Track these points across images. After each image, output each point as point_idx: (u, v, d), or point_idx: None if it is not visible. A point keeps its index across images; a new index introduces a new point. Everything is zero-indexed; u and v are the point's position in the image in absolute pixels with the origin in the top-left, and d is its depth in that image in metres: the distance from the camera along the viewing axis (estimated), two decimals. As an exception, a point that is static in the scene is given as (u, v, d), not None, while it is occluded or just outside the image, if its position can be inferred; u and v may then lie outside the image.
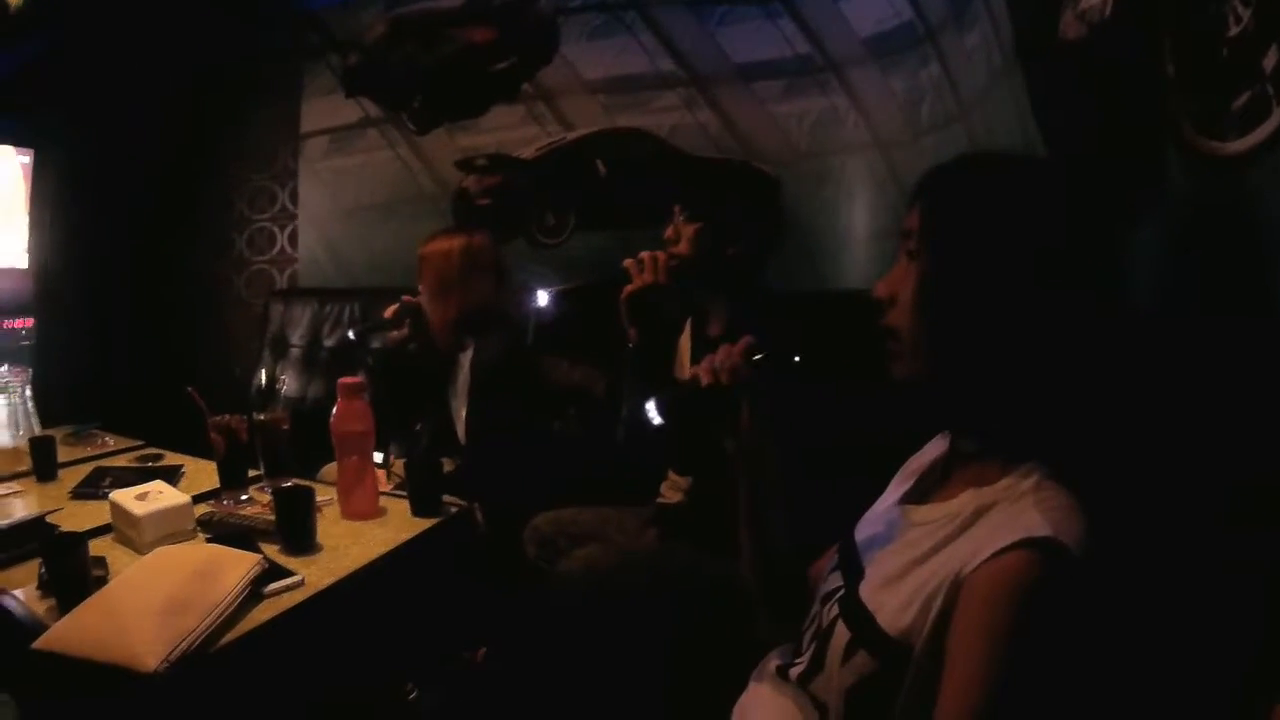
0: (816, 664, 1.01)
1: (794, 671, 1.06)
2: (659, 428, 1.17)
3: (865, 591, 0.98)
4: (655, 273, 1.85)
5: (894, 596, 0.93)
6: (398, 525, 1.79)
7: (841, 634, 0.97)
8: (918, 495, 1.06)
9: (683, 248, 1.91)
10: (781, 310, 1.91)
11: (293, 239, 3.62)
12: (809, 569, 1.21)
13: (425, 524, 1.80)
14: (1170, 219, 1.41)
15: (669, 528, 2.06)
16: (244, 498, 1.93)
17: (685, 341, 2.05)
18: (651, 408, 1.15)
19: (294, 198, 3.59)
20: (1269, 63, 1.19)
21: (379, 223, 3.43)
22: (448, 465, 2.17)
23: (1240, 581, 0.94)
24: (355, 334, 2.61)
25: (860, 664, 0.94)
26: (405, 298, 2.40)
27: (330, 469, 2.16)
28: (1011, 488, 0.92)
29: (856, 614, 0.97)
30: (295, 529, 1.63)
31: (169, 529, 1.64)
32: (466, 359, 2.39)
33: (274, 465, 1.95)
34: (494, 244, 2.43)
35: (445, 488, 1.90)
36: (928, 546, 0.94)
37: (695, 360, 1.50)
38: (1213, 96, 1.31)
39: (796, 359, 1.11)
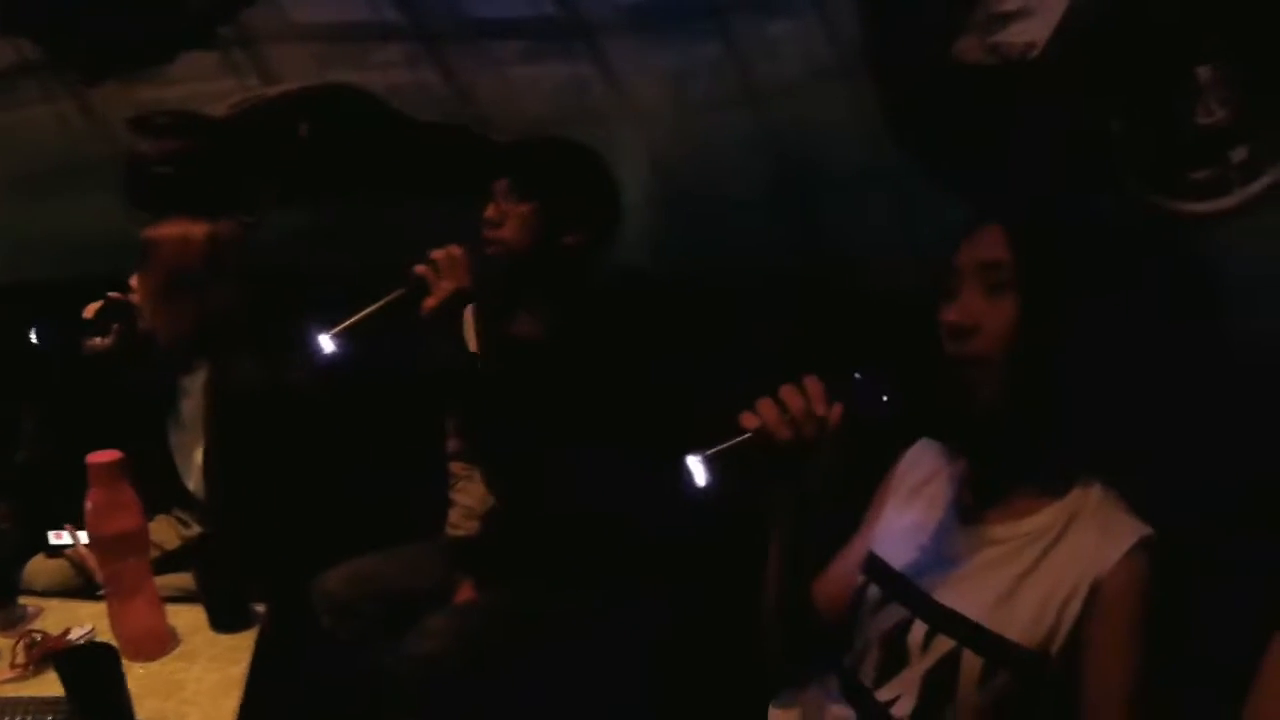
0: (935, 699, 1.06)
1: (900, 711, 1.10)
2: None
3: (975, 614, 1.05)
4: (458, 276, 1.53)
5: (1018, 612, 1.03)
6: (210, 652, 1.36)
7: (971, 660, 1.04)
8: (968, 514, 1.13)
9: (508, 232, 1.63)
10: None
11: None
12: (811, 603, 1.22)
13: (242, 640, 1.38)
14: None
15: (472, 565, 1.75)
16: None
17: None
18: (695, 466, 1.02)
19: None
20: (1237, 156, 1.57)
21: (30, 200, 2.78)
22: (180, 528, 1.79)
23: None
24: (39, 336, 2.04)
25: (1000, 684, 1.03)
26: (113, 294, 1.91)
27: (42, 569, 1.81)
28: (1083, 498, 1.06)
29: (982, 638, 1.04)
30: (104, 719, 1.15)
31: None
32: (194, 384, 1.91)
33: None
34: (243, 236, 1.96)
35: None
36: (1030, 560, 1.05)
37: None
38: (1173, 163, 1.66)
39: (885, 398, 1.06)
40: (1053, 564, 1.04)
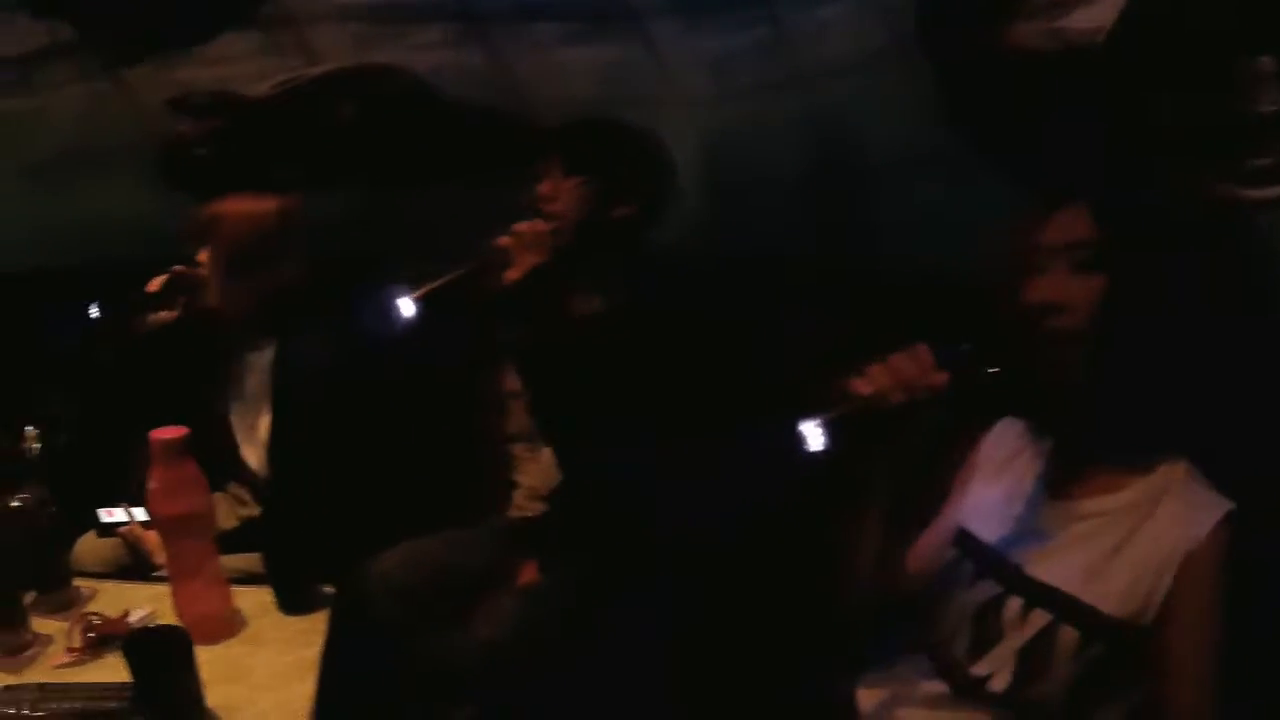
0: (1030, 673, 1.09)
1: (996, 685, 1.11)
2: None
3: (1071, 588, 1.08)
4: (542, 249, 1.54)
5: (1111, 584, 1.06)
6: (280, 636, 1.31)
7: (1068, 634, 1.07)
8: (1056, 490, 1.15)
9: (561, 206, 1.62)
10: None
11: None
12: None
13: (311, 622, 1.33)
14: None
15: (536, 547, 1.72)
16: (27, 638, 1.37)
17: None
18: (812, 431, 1.02)
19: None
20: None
21: (64, 183, 2.73)
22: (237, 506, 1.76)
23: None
24: (101, 310, 1.98)
25: (1093, 656, 1.06)
26: (178, 268, 1.88)
27: (92, 549, 1.77)
28: (1169, 474, 1.09)
29: (1078, 611, 1.07)
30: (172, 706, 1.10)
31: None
32: (260, 359, 1.89)
33: (50, 576, 1.45)
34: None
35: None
36: (1122, 533, 1.08)
37: None
38: (1234, 150, 1.73)
39: (992, 370, 1.06)
40: (1145, 537, 1.07)
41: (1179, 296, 1.08)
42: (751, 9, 2.42)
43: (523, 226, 1.56)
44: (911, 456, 1.13)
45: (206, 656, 1.22)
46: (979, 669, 1.14)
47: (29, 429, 1.60)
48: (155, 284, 1.90)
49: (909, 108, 2.24)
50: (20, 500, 1.44)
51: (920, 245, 2.23)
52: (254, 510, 1.94)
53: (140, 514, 1.84)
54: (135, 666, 1.14)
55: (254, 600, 1.43)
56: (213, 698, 1.18)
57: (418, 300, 1.52)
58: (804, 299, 2.24)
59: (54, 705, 1.21)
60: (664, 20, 2.50)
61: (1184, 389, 1.08)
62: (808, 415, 1.02)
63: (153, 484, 1.35)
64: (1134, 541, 1.08)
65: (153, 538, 1.79)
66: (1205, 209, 1.81)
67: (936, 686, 1.18)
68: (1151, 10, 1.90)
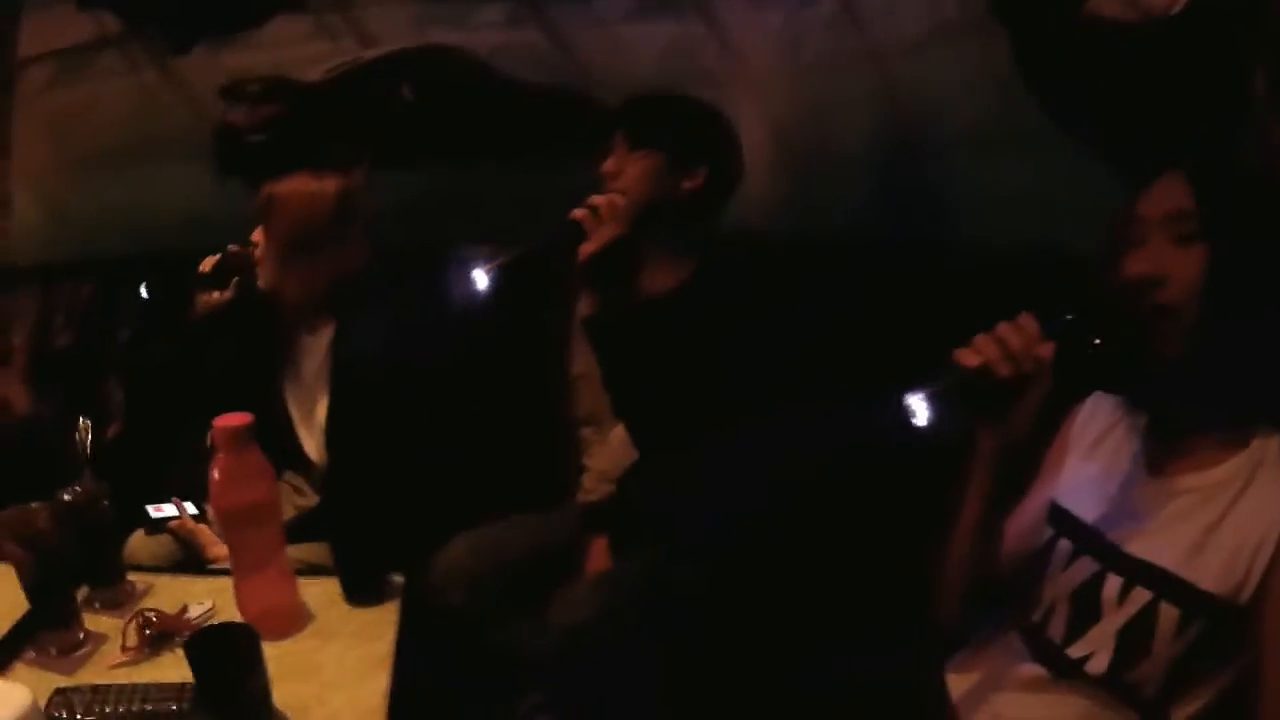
0: (1131, 653, 1.07)
1: (1094, 667, 1.10)
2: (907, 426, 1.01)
3: (1171, 564, 1.06)
4: (619, 222, 1.50)
5: (1209, 561, 1.04)
6: (348, 629, 1.22)
7: (1169, 612, 1.05)
8: (1153, 466, 1.13)
9: (626, 183, 1.58)
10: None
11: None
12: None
13: (381, 614, 1.24)
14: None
15: (607, 530, 1.66)
16: (80, 636, 1.28)
17: None
18: (916, 405, 1.00)
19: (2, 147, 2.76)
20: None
21: (117, 172, 2.68)
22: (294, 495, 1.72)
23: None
24: (150, 291, 2.00)
25: (1193, 635, 1.04)
26: (232, 247, 1.84)
27: (142, 545, 1.72)
28: (1264, 448, 1.07)
29: (1179, 589, 1.05)
30: (238, 708, 1.02)
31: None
32: (318, 343, 1.82)
33: (104, 571, 1.37)
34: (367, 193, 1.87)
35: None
36: (1220, 509, 1.06)
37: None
38: None
39: (1097, 341, 1.04)
40: (1242, 512, 1.05)
41: (1276, 266, 1.05)
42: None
43: (598, 199, 1.51)
44: (1017, 432, 1.10)
45: (273, 653, 1.11)
46: (1076, 650, 1.12)
47: (83, 421, 1.52)
48: (207, 264, 1.84)
49: (982, 83, 2.16)
50: (72, 494, 1.36)
51: (995, 223, 2.14)
52: (310, 500, 1.87)
53: (191, 508, 1.77)
54: (199, 667, 1.05)
55: (317, 592, 1.32)
56: (280, 696, 1.08)
57: (489, 273, 1.43)
58: (873, 279, 2.14)
59: (109, 709, 1.11)
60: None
61: (1269, 363, 1.05)
62: (913, 388, 1.00)
63: (216, 474, 1.25)
64: (1232, 516, 1.06)
65: (205, 532, 1.73)
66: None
67: (1032, 669, 1.16)
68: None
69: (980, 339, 1.03)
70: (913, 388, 1.01)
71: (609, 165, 1.64)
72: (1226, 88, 1.84)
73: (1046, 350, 1.02)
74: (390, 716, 1.10)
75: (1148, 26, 1.94)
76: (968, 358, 1.02)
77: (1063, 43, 2.05)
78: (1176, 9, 1.90)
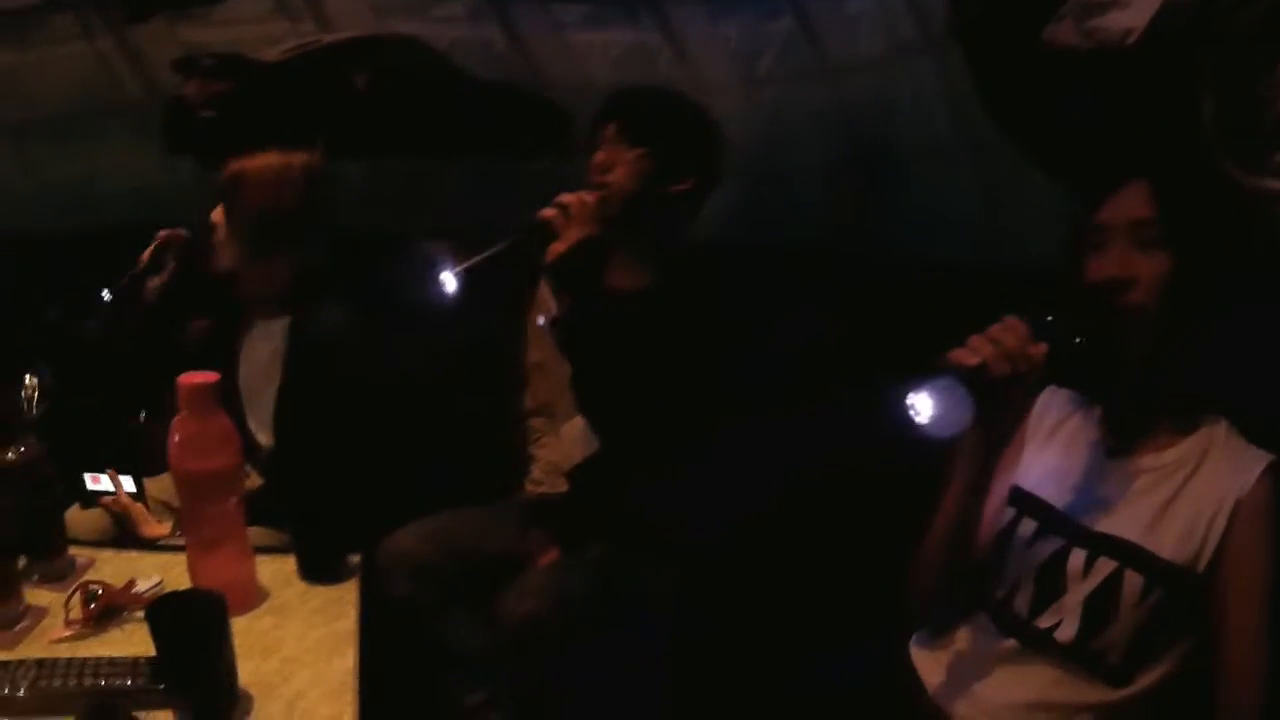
0: (1097, 620, 1.15)
1: (1062, 635, 1.16)
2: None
3: (1132, 536, 1.15)
4: (589, 222, 1.45)
5: (1167, 531, 1.14)
6: (307, 607, 1.20)
7: (1132, 579, 1.14)
8: (1112, 450, 1.21)
9: (617, 176, 1.53)
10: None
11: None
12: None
13: (341, 592, 1.23)
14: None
15: (556, 524, 1.64)
16: (20, 610, 1.20)
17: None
18: (922, 401, 1.02)
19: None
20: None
21: (59, 141, 2.64)
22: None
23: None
24: (113, 294, 1.88)
25: (1154, 600, 1.13)
26: (163, 231, 1.79)
27: (78, 520, 1.63)
28: (1212, 433, 1.17)
29: (1141, 558, 1.14)
30: (204, 682, 0.98)
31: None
32: (274, 326, 1.75)
33: (45, 540, 1.29)
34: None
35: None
36: (1175, 486, 1.16)
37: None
38: (1260, 145, 1.82)
39: (1078, 340, 1.10)
40: (1196, 488, 1.15)
41: (1228, 273, 1.16)
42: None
43: (569, 198, 1.47)
44: (1005, 428, 1.15)
45: (238, 629, 1.07)
46: (1044, 621, 1.19)
47: (28, 379, 1.44)
48: (145, 255, 1.80)
49: (936, 101, 2.28)
50: (15, 454, 1.26)
51: (942, 236, 2.26)
52: (255, 482, 1.84)
53: (128, 483, 1.68)
54: (162, 637, 0.98)
55: (272, 570, 1.29)
56: (242, 674, 1.05)
57: (458, 276, 1.43)
58: (819, 289, 2.22)
59: (57, 683, 1.05)
60: (686, 6, 2.49)
61: (1226, 356, 1.16)
62: (909, 386, 1.02)
63: (177, 436, 1.15)
64: (1185, 492, 1.16)
65: (141, 510, 1.66)
66: (1241, 199, 1.89)
67: (1000, 643, 1.22)
68: (1182, 14, 1.95)
69: (975, 339, 1.06)
70: (912, 387, 1.02)
71: (599, 158, 1.58)
72: (1179, 112, 1.95)
73: (1041, 350, 1.06)
74: (361, 694, 1.11)
75: (1104, 56, 2.06)
76: (965, 358, 1.04)
77: (1018, 67, 2.18)
78: (1131, 40, 2.03)
